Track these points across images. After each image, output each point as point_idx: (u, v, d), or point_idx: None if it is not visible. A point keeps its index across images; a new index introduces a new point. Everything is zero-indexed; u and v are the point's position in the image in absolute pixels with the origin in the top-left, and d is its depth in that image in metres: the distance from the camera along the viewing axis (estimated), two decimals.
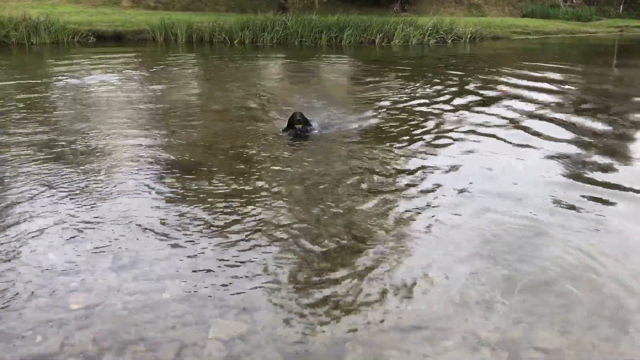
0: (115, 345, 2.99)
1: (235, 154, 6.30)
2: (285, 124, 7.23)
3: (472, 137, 7.24)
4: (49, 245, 4.07)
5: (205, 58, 16.18)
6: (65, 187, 5.17)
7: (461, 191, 5.26)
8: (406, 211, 4.80)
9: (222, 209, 4.76)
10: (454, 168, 5.95)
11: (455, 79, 12.49)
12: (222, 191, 5.16)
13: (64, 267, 3.76)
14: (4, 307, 3.31)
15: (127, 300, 3.40)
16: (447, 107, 9.19)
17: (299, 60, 15.96)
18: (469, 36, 22.27)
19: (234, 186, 5.27)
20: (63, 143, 6.63)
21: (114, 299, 3.41)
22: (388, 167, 5.99)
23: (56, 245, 4.07)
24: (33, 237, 4.19)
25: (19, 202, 4.81)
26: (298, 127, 7.03)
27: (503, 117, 8.41)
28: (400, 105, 9.26)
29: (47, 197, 4.94)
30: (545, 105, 9.59)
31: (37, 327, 3.13)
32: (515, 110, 9.01)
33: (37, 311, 3.28)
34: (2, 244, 4.07)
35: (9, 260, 3.83)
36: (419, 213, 4.76)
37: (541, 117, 8.51)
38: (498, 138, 7.19)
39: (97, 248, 4.04)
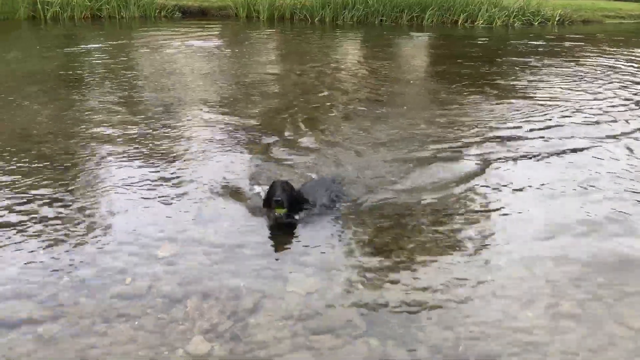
0: (199, 290, 3.13)
1: (310, 121, 6.37)
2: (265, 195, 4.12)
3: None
4: (136, 200, 4.28)
5: (285, 35, 16.31)
6: (150, 147, 5.41)
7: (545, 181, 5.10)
8: (486, 195, 4.69)
9: (303, 170, 4.86)
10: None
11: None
12: (302, 155, 5.25)
13: (151, 220, 3.96)
14: (99, 250, 3.52)
15: (210, 252, 3.54)
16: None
17: (379, 41, 15.79)
18: (557, 19, 21.22)
19: (311, 154, 5.33)
20: (149, 109, 6.92)
21: (197, 250, 3.56)
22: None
23: (143, 201, 4.28)
24: (121, 192, 4.43)
25: (107, 161, 5.09)
26: (278, 212, 3.90)
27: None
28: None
29: (134, 155, 5.20)
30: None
31: (127, 270, 3.32)
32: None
33: (127, 256, 3.47)
34: (95, 197, 4.34)
35: (103, 212, 4.09)
36: (499, 198, 4.65)
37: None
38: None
39: (181, 204, 4.22)
